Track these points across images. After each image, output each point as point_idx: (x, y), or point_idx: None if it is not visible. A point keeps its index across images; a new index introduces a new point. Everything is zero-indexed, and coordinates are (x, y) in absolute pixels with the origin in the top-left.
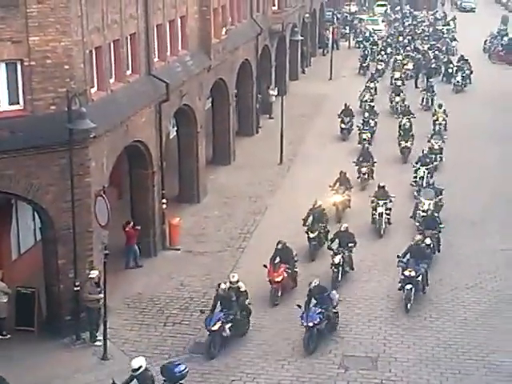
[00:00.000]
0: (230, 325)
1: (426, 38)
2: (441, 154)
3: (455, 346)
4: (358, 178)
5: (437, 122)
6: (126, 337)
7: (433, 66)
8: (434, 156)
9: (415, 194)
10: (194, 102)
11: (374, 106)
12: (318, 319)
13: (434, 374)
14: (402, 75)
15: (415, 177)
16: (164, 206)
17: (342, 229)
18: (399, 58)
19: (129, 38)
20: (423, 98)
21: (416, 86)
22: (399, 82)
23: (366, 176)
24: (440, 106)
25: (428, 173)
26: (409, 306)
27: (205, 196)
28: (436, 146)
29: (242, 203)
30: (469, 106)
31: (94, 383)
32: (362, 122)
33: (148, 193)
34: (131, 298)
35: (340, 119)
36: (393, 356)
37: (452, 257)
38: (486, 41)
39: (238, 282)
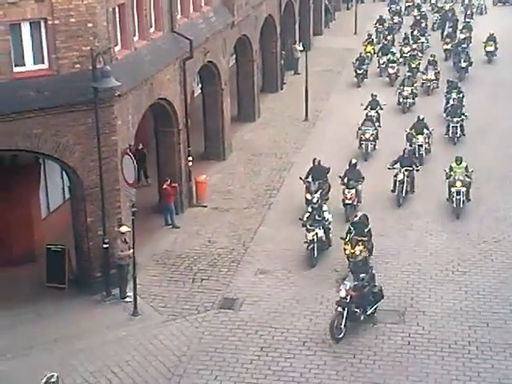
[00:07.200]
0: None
1: None
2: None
3: (483, 299)
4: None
5: (453, 190)
6: (155, 293)
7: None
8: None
9: None
10: (217, 59)
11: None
12: None
13: (462, 328)
14: (415, 90)
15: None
16: (190, 163)
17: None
18: (423, 40)
19: None
20: (448, 125)
21: (442, 38)
22: (409, 105)
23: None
24: (459, 162)
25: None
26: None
27: (230, 153)
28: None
29: (267, 160)
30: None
31: (125, 338)
32: (343, 185)
33: (174, 151)
34: (159, 254)
35: (306, 185)
36: (420, 310)
37: (480, 211)
38: None
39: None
